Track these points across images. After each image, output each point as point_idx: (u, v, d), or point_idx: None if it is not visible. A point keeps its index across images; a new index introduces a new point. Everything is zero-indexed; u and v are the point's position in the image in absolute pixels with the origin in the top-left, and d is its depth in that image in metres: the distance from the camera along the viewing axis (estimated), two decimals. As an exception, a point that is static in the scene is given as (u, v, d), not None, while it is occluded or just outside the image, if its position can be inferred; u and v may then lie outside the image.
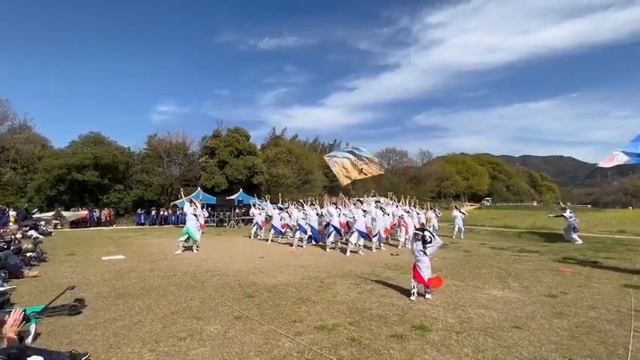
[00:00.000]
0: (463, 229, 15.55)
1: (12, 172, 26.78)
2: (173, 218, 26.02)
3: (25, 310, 3.20)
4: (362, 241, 10.60)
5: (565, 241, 13.21)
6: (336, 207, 12.23)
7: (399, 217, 12.85)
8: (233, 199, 25.49)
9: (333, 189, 43.60)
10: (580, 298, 5.41)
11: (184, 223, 11.25)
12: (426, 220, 14.51)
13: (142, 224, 25.53)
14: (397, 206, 13.28)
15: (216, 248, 12.05)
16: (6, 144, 27.48)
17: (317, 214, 12.96)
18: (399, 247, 11.95)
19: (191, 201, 11.69)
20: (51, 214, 22.41)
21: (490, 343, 3.66)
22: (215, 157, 31.58)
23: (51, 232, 17.58)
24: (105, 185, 27.44)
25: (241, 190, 27.31)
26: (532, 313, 4.69)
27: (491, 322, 4.30)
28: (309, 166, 41.51)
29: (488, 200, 75.98)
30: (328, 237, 11.48)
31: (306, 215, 12.51)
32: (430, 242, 5.61)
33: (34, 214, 20.77)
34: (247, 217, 23.95)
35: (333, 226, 11.40)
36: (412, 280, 5.52)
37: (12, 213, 19.06)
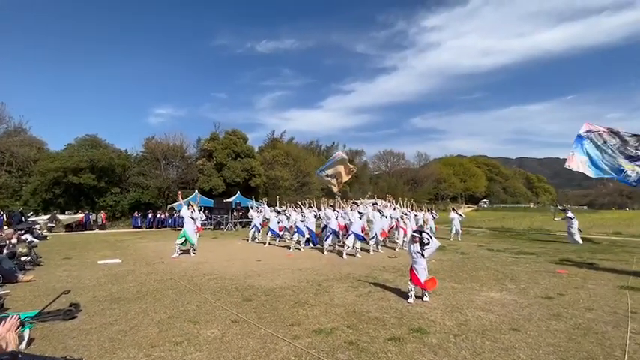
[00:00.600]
0: (460, 231, 15.60)
1: (7, 176, 26.57)
2: (170, 221, 25.90)
3: (19, 315, 3.16)
4: (359, 244, 10.59)
5: (572, 242, 13.36)
6: (334, 210, 12.22)
7: (397, 219, 12.86)
8: (231, 202, 25.40)
9: (330, 192, 43.60)
10: (577, 300, 5.43)
11: (181, 226, 11.19)
12: (424, 222, 14.52)
13: (139, 227, 25.39)
14: (395, 208, 13.29)
15: (214, 251, 12.00)
16: (1, 147, 27.28)
17: (315, 217, 12.95)
18: (397, 250, 11.95)
19: (189, 204, 11.64)
20: (46, 217, 22.24)
21: (488, 345, 3.66)
22: (212, 159, 31.50)
23: (46, 236, 17.42)
24: (101, 188, 27.29)
25: (239, 192, 27.23)
26: (529, 314, 4.70)
27: (489, 325, 4.30)
28: (306, 169, 41.51)
29: (485, 202, 76.21)
30: (326, 240, 11.46)
31: (305, 218, 12.49)
32: (428, 244, 5.64)
33: (29, 217, 20.60)
34: (245, 220, 23.89)
35: (331, 229, 11.39)
36: (410, 282, 5.52)
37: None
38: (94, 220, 24.61)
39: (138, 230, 24.20)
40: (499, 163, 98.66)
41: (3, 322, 2.92)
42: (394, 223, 12.96)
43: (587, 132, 13.20)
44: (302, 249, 12.03)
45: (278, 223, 14.15)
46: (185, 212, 10.93)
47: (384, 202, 13.97)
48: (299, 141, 54.66)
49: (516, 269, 8.09)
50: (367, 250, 11.13)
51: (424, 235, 5.75)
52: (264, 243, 13.67)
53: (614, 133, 12.83)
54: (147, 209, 27.33)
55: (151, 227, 25.65)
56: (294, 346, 3.65)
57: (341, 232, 12.20)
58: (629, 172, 12.03)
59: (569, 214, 14.04)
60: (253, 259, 10.02)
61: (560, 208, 15.30)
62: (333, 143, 63.67)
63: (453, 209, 16.36)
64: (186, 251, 10.80)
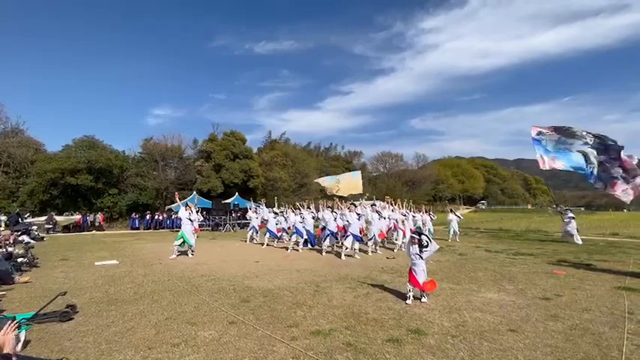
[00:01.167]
0: (458, 232, 15.62)
1: (4, 176, 26.43)
2: (168, 222, 25.83)
3: (15, 317, 3.14)
4: (357, 245, 10.59)
5: (569, 242, 13.66)
6: (332, 211, 12.21)
7: (395, 220, 12.86)
8: (229, 203, 25.36)
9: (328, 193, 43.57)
10: (574, 301, 5.44)
11: (179, 228, 11.15)
12: (422, 224, 14.53)
13: (137, 228, 25.32)
14: (393, 210, 13.30)
15: (212, 252, 11.96)
16: (-2, 148, 27.15)
17: (313, 218, 12.94)
18: (395, 251, 11.95)
19: (186, 205, 11.61)
20: (43, 218, 22.12)
21: (486, 346, 3.66)
22: (211, 160, 31.46)
23: (43, 237, 17.33)
24: (99, 189, 27.20)
25: (237, 193, 27.20)
26: (527, 315, 4.70)
27: (487, 326, 4.30)
28: (305, 170, 41.52)
29: (483, 203, 76.45)
30: (324, 241, 11.45)
31: (303, 219, 12.48)
32: (427, 246, 5.62)
33: (26, 218, 20.49)
34: (243, 221, 23.86)
35: (329, 230, 11.38)
36: (408, 283, 5.52)
37: (2, 218, 18.78)
38: (91, 222, 24.52)
39: (135, 231, 24.12)
40: (497, 164, 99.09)
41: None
42: (392, 225, 12.97)
43: (539, 134, 13.53)
44: (300, 250, 12.02)
45: (276, 224, 14.13)
46: (183, 214, 10.90)
47: (382, 203, 13.97)
48: (298, 142, 54.84)
49: (514, 270, 8.11)
50: (365, 252, 11.13)
51: (423, 237, 5.74)
52: (262, 244, 13.65)
53: (560, 129, 13.23)
54: (145, 210, 27.27)
55: (149, 228, 25.57)
56: (292, 347, 3.64)
57: (339, 234, 12.19)
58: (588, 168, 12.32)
59: (570, 214, 14.36)
60: (251, 260, 10.00)
61: (564, 207, 15.88)
62: (331, 144, 63.91)
63: (451, 210, 16.37)
64: (184, 253, 10.77)
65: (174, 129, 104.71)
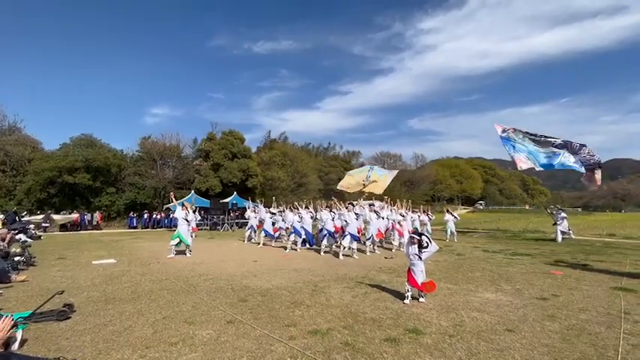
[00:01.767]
0: (455, 232, 15.64)
1: (1, 175, 26.27)
2: (166, 221, 25.76)
3: (12, 316, 3.13)
4: (355, 245, 10.59)
5: (557, 241, 14.41)
6: (330, 210, 12.22)
7: (393, 220, 12.87)
8: (227, 203, 25.33)
9: (328, 192, 43.64)
10: (571, 301, 5.47)
11: (177, 227, 11.13)
12: (420, 224, 14.55)
13: (135, 228, 25.25)
14: (392, 210, 13.32)
15: (210, 252, 11.95)
16: (-5, 146, 26.99)
17: (311, 218, 12.93)
18: (394, 251, 11.97)
19: (182, 204, 11.60)
20: (41, 217, 22.02)
21: (483, 346, 3.67)
22: (209, 159, 31.40)
23: (40, 236, 17.26)
24: (96, 188, 27.08)
25: (235, 193, 27.16)
26: (524, 315, 4.72)
27: (484, 326, 4.32)
28: (303, 169, 41.51)
29: (481, 204, 76.68)
30: (322, 240, 11.45)
31: (302, 219, 12.47)
32: (427, 247, 5.60)
33: (23, 217, 20.38)
34: (241, 221, 23.82)
35: (327, 230, 11.38)
36: (406, 283, 5.52)
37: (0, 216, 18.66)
38: (89, 220, 24.41)
39: (133, 230, 24.05)
40: (495, 164, 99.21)
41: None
42: (391, 225, 12.98)
43: (504, 132, 14.03)
44: (298, 250, 12.02)
45: (273, 224, 14.13)
46: (179, 214, 10.87)
47: (381, 203, 13.98)
48: (296, 142, 54.84)
49: (511, 270, 8.13)
50: (363, 252, 11.14)
51: (423, 237, 5.71)
52: (259, 243, 13.65)
53: (520, 131, 13.99)
54: (142, 209, 27.17)
55: (147, 227, 25.50)
56: (290, 347, 3.64)
57: (337, 234, 12.19)
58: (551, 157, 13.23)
59: (563, 214, 15.34)
60: (249, 259, 9.99)
61: (557, 208, 16.68)
62: (330, 144, 63.94)
63: (447, 211, 16.41)
64: (182, 252, 10.74)
65: (172, 128, 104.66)
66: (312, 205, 14.44)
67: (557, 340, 3.85)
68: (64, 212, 24.57)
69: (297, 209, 13.32)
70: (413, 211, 14.89)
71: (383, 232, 12.53)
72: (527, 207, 74.75)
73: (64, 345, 3.67)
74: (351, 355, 3.44)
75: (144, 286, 6.49)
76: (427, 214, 15.75)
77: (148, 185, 29.05)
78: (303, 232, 12.29)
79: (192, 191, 27.26)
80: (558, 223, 14.98)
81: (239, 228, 23.78)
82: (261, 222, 15.05)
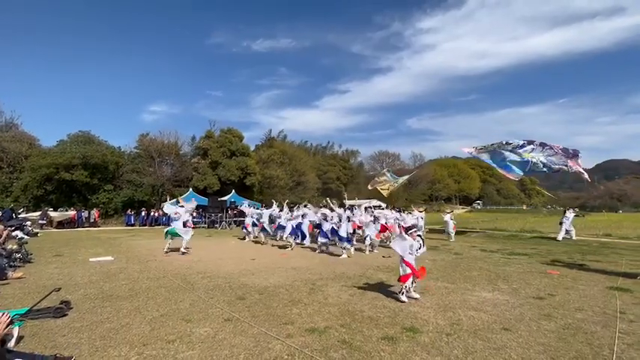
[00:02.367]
0: (453, 232, 15.73)
1: (-3, 171, 26.13)
2: (164, 219, 25.64)
3: (9, 313, 3.11)
4: (347, 244, 10.56)
5: (568, 238, 14.79)
6: (327, 208, 12.24)
7: (391, 221, 12.88)
8: (225, 201, 25.30)
9: (326, 191, 43.69)
10: (567, 300, 5.50)
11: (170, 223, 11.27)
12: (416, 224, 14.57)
13: (132, 225, 25.16)
14: (391, 210, 13.35)
15: (207, 250, 11.93)
16: (-8, 142, 26.80)
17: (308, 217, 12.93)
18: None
19: (177, 202, 11.70)
20: (37, 214, 21.91)
21: (480, 345, 3.69)
22: (207, 157, 31.31)
23: (37, 233, 17.18)
24: (94, 185, 26.95)
25: (233, 191, 27.12)
26: (521, 315, 4.75)
27: (481, 324, 4.34)
28: (302, 168, 41.48)
29: (479, 203, 76.93)
30: (317, 239, 11.46)
31: (299, 217, 12.47)
32: (419, 249, 5.75)
33: (19, 213, 20.27)
34: (239, 219, 23.80)
35: (323, 230, 11.40)
36: (405, 283, 5.54)
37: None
38: (86, 218, 24.31)
39: (131, 228, 23.97)
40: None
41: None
42: (388, 225, 12.98)
43: (471, 153, 14.35)
44: (292, 247, 12.00)
45: (271, 222, 14.13)
46: (169, 209, 11.21)
47: (384, 210, 14.05)
48: (295, 140, 54.75)
49: (508, 270, 8.17)
50: (362, 250, 11.15)
51: (416, 240, 5.85)
52: (258, 242, 13.64)
53: (485, 148, 14.48)
54: (140, 207, 27.06)
55: (145, 225, 25.41)
56: (288, 344, 3.65)
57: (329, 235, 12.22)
58: (534, 161, 13.08)
59: (571, 213, 15.88)
60: (247, 257, 9.99)
61: (575, 209, 17.40)
62: (328, 142, 63.89)
63: (446, 211, 16.53)
64: (177, 249, 10.66)
65: (170, 125, 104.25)
66: (310, 205, 14.46)
67: (554, 339, 3.88)
68: (61, 209, 24.46)
69: (295, 208, 13.32)
70: (419, 211, 15.06)
71: (380, 233, 12.53)
72: (524, 207, 75.05)
73: (60, 342, 3.66)
74: (348, 353, 3.45)
75: (141, 284, 6.48)
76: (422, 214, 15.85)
77: (145, 183, 28.93)
78: (299, 231, 12.29)
79: (190, 189, 27.20)
80: (564, 221, 15.15)
81: (237, 226, 23.75)
82: (260, 222, 15.06)
